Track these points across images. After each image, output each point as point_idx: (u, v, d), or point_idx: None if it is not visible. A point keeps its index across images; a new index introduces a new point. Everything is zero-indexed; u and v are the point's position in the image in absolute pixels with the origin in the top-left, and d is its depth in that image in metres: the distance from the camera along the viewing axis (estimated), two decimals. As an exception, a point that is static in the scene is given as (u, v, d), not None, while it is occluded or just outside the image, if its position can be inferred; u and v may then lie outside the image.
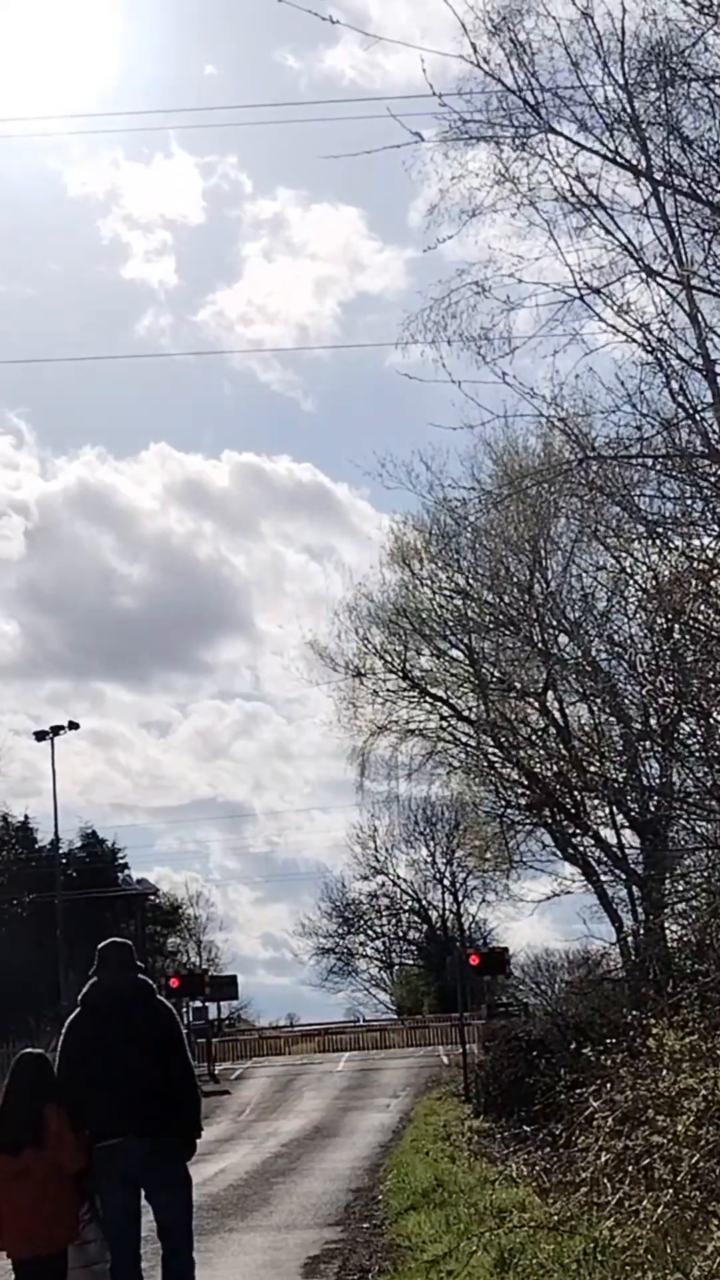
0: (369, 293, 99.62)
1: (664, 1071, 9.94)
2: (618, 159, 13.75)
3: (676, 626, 22.16)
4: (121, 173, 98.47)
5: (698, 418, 13.42)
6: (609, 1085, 10.25)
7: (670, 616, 22.16)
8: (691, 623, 20.79)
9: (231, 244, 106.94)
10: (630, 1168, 8.54)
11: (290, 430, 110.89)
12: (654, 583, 21.82)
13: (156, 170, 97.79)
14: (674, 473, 12.50)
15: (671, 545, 20.76)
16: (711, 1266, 6.09)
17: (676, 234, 13.31)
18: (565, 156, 14.21)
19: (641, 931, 21.62)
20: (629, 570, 22.29)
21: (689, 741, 22.15)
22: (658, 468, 11.87)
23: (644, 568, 22.07)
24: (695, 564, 16.40)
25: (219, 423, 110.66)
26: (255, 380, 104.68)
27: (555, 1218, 8.66)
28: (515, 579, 25.10)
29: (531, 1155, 13.37)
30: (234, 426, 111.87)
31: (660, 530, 13.14)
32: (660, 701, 23.56)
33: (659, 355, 13.47)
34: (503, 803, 26.19)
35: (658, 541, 21.03)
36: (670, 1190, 7.49)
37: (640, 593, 23.09)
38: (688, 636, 21.80)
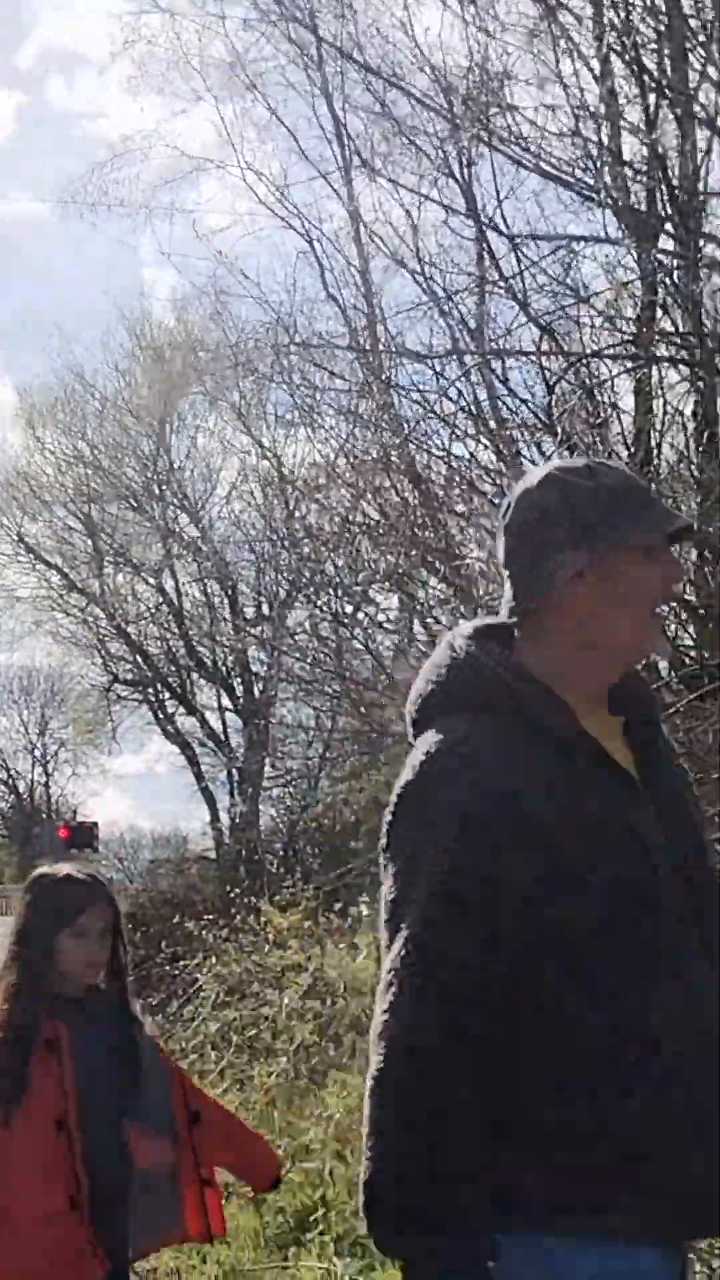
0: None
1: (268, 948, 10.27)
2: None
3: (295, 517, 22.54)
4: None
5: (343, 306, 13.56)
6: (214, 959, 10.49)
7: (291, 507, 22.51)
8: (309, 516, 21.13)
9: None
10: (236, 1037, 8.82)
11: None
12: (279, 471, 22.09)
13: None
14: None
15: (299, 437, 20.98)
16: (320, 1133, 6.40)
17: (340, 117, 13.27)
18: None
19: (239, 814, 22.11)
20: (259, 456, 22.42)
21: (297, 631, 22.71)
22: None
23: (271, 455, 22.28)
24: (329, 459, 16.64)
25: None
26: None
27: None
28: (139, 452, 24.81)
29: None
30: None
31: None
32: (273, 589, 24.02)
33: (314, 244, 13.55)
34: (110, 677, 26.07)
35: (289, 431, 21.22)
36: (282, 1059, 7.81)
37: (265, 480, 23.30)
38: (304, 529, 22.13)
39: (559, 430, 9.20)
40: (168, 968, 11.64)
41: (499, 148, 9.39)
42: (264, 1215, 6.22)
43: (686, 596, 8.32)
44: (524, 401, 10.27)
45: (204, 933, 11.60)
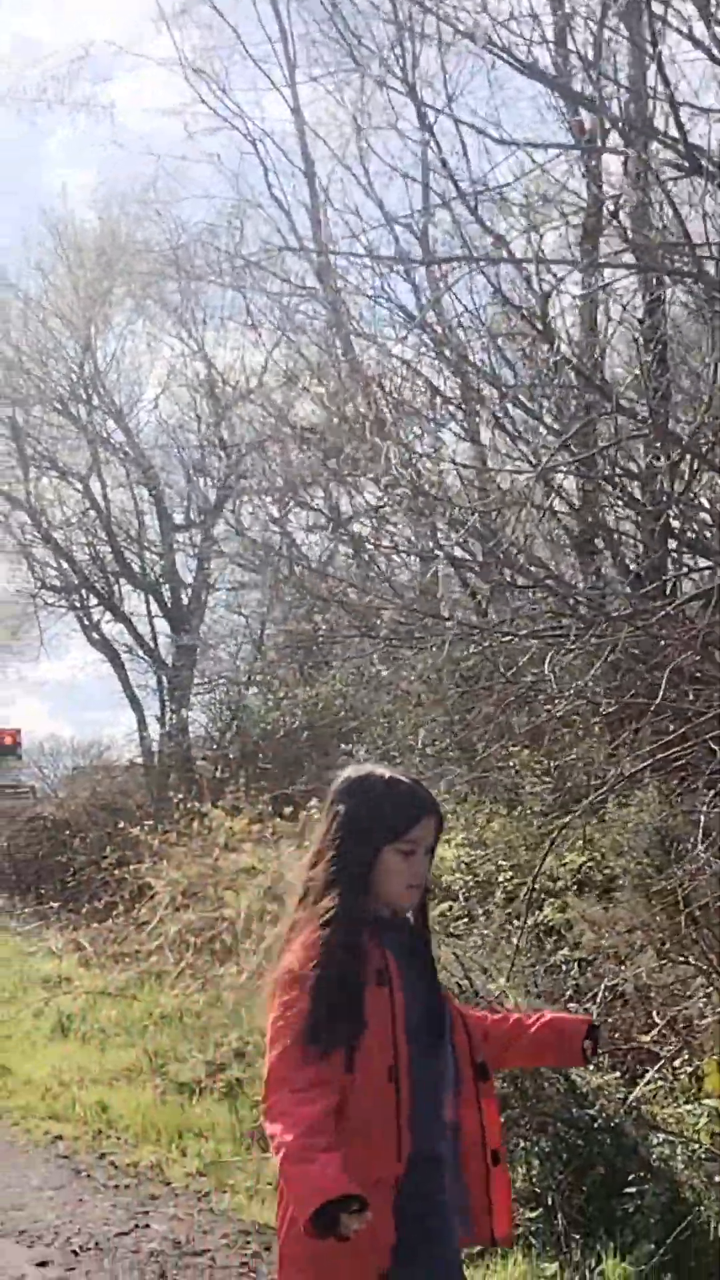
0: None
1: (217, 852, 10.36)
2: None
3: (226, 421, 22.37)
4: None
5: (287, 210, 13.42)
6: (165, 863, 10.56)
7: (223, 409, 22.32)
8: (246, 418, 20.99)
9: None
10: (194, 939, 8.93)
11: None
12: (212, 374, 21.86)
13: None
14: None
15: (229, 342, 20.70)
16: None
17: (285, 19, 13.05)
18: None
19: (170, 720, 22.13)
20: (190, 358, 22.18)
21: (227, 538, 22.63)
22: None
23: (204, 357, 22.05)
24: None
25: None
26: None
27: (116, 985, 8.96)
28: (64, 355, 24.40)
29: (65, 931, 13.61)
30: None
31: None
32: (203, 494, 23.86)
33: (257, 145, 13.35)
34: (37, 583, 25.79)
35: (219, 333, 20.94)
36: (253, 958, 7.93)
37: (194, 384, 23.07)
38: (236, 430, 22.02)
39: (508, 335, 9.19)
40: (116, 872, 11.69)
41: (449, 22, 9.21)
42: (240, 1110, 6.35)
43: None
44: (473, 309, 10.22)
45: (149, 838, 11.64)
